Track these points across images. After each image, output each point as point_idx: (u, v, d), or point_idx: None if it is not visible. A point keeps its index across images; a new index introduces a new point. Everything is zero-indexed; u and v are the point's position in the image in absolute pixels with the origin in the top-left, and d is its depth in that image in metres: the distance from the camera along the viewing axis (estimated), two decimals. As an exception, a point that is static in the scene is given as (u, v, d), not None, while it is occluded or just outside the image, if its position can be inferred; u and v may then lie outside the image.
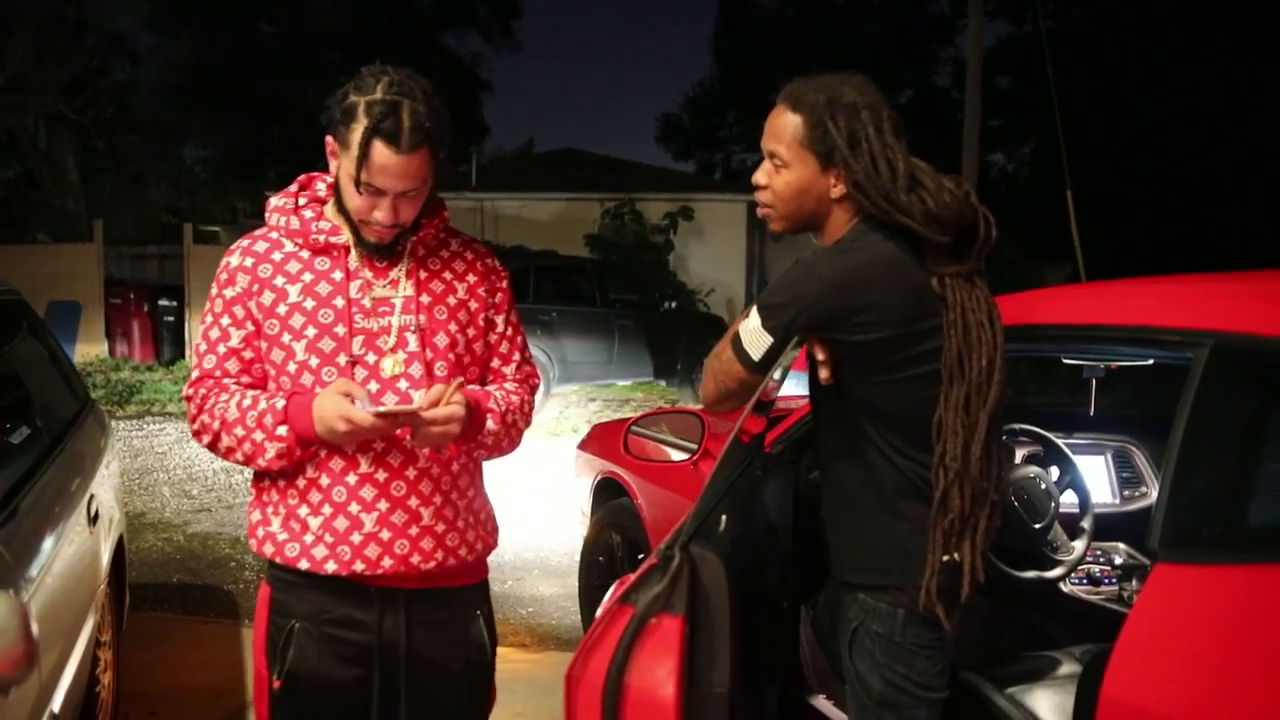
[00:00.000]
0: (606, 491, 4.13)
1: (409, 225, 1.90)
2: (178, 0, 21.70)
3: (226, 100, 22.09)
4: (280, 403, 1.83)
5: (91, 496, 2.94)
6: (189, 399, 1.91)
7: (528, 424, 2.09)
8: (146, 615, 4.52)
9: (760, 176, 1.87)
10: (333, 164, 1.86)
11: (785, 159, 1.82)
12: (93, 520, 2.90)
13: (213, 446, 1.89)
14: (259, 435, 1.82)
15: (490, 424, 1.94)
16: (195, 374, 1.91)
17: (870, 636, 1.83)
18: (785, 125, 1.82)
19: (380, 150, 1.76)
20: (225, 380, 1.89)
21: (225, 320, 1.89)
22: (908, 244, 1.75)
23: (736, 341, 1.84)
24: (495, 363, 2.06)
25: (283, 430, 1.82)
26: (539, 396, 10.89)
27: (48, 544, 2.34)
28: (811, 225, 1.86)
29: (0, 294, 3.16)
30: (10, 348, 3.04)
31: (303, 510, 1.89)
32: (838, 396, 1.84)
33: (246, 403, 1.84)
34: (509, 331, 2.07)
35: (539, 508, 6.95)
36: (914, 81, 27.56)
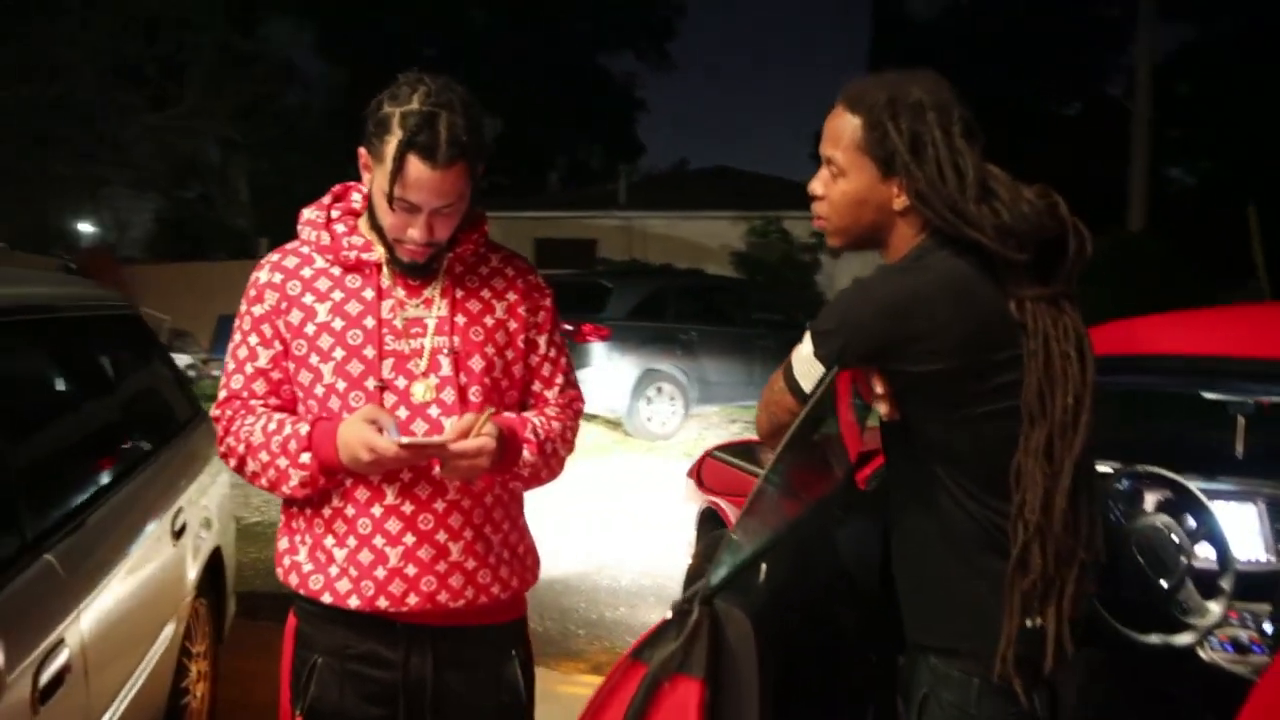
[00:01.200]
0: (710, 522, 3.95)
1: (445, 243, 1.80)
2: (342, 29, 22.70)
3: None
4: (304, 428, 1.75)
5: (180, 510, 2.97)
6: (216, 420, 1.85)
7: (570, 451, 1.95)
8: (261, 625, 4.57)
9: (816, 185, 1.68)
10: (365, 178, 1.77)
11: (842, 165, 1.62)
12: (178, 533, 2.91)
13: (239, 470, 1.83)
14: (283, 461, 1.74)
15: (526, 454, 1.81)
16: (223, 394, 1.84)
17: (941, 705, 1.60)
18: (842, 128, 1.62)
19: (415, 165, 1.66)
20: (252, 402, 1.82)
21: (253, 339, 1.82)
22: (981, 263, 1.53)
23: (789, 370, 1.66)
24: (536, 386, 1.94)
25: (306, 458, 1.73)
26: (675, 416, 10.84)
27: (113, 558, 2.33)
28: (873, 240, 1.66)
29: (113, 308, 3.24)
30: (115, 363, 3.11)
31: (328, 541, 1.80)
32: (905, 435, 1.63)
33: (272, 427, 1.77)
34: (551, 353, 1.94)
35: (662, 533, 6.81)
36: (1084, 91, 26.25)
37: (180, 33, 14.26)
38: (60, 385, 2.62)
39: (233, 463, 1.83)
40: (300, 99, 23.09)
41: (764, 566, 1.66)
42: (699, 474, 4.14)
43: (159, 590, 2.70)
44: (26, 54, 12.48)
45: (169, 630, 2.76)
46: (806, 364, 1.62)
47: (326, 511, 1.80)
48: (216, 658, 3.48)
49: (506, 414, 1.85)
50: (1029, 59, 24.43)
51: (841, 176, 1.63)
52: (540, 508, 7.25)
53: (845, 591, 1.95)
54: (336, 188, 1.92)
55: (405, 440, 1.65)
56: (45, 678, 1.86)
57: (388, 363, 1.78)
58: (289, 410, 1.83)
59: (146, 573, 2.59)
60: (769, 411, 1.73)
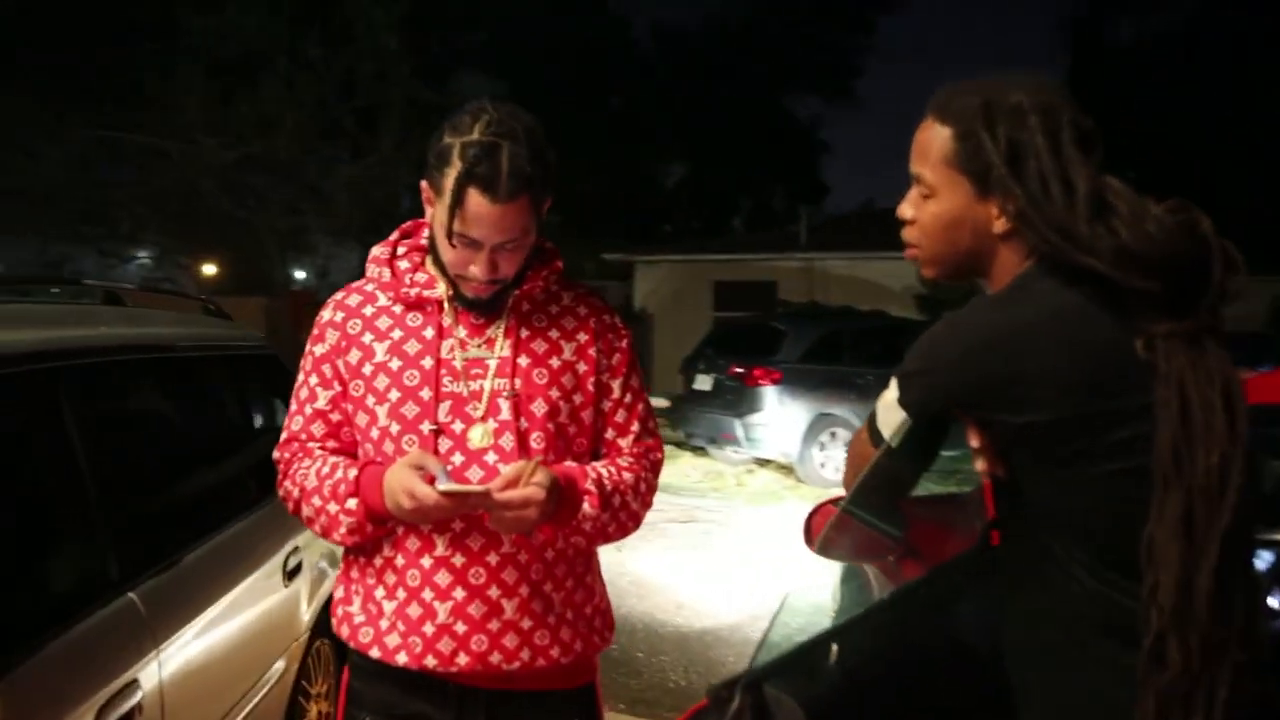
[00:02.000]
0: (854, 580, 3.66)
1: (510, 280, 1.67)
2: (532, 77, 23.51)
3: (572, 167, 23.58)
4: (354, 473, 1.65)
5: (295, 549, 2.96)
6: (276, 462, 1.77)
7: (646, 506, 1.78)
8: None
9: (905, 208, 1.44)
10: (428, 212, 1.67)
11: (932, 184, 1.39)
12: (290, 573, 2.90)
13: (296, 514, 1.75)
14: (333, 507, 1.65)
15: (587, 508, 1.65)
16: (284, 436, 1.77)
17: None
18: (931, 141, 1.39)
19: (475, 198, 1.55)
20: (310, 444, 1.74)
21: (314, 380, 1.75)
22: (1100, 294, 1.26)
23: (873, 419, 1.44)
24: (609, 434, 1.78)
25: (353, 504, 1.63)
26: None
27: (205, 598, 2.31)
28: (973, 269, 1.41)
29: (243, 347, 3.30)
30: (238, 402, 3.15)
31: (379, 592, 1.70)
32: (1012, 496, 1.38)
33: (325, 470, 1.68)
34: (627, 398, 1.78)
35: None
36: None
37: (375, 86, 15.08)
38: (170, 423, 2.64)
39: (290, 506, 1.75)
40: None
41: (834, 646, 1.42)
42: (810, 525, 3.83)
43: (264, 631, 2.67)
44: (243, 113, 13.47)
45: (277, 670, 2.73)
46: (889, 411, 1.39)
47: (378, 561, 1.70)
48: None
49: (568, 463, 1.69)
50: (1242, 77, 22.61)
51: (932, 197, 1.39)
52: (706, 556, 7.11)
53: (956, 678, 1.67)
54: (407, 224, 1.84)
55: (446, 488, 1.52)
56: (113, 718, 1.82)
57: (444, 405, 1.67)
58: (349, 454, 1.74)
59: (248, 614, 2.56)
60: (853, 465, 1.51)
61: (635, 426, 1.80)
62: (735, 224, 27.09)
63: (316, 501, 1.67)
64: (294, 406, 1.76)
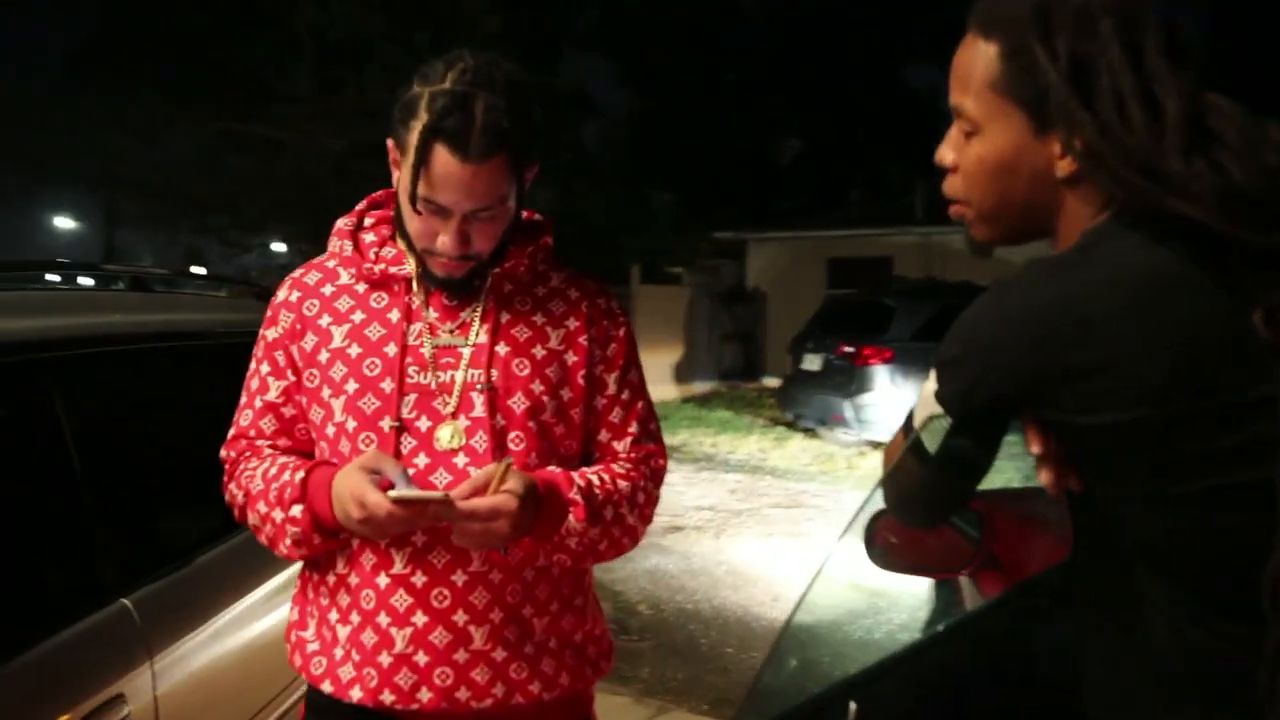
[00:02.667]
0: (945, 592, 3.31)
1: (486, 256, 1.44)
2: (642, 56, 23.26)
3: (690, 148, 23.27)
4: (301, 475, 1.42)
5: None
6: (222, 461, 1.57)
7: (646, 520, 1.53)
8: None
9: (944, 150, 1.14)
10: (394, 175, 1.44)
11: (976, 118, 1.08)
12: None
13: (243, 522, 1.54)
14: (278, 514, 1.43)
15: (572, 521, 1.40)
16: (232, 431, 1.56)
17: None
18: (973, 62, 1.08)
19: (443, 156, 1.32)
20: (259, 442, 1.52)
21: (265, 368, 1.53)
22: (1200, 253, 0.95)
23: (909, 418, 1.15)
24: (603, 435, 1.53)
25: (297, 511, 1.41)
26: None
27: (212, 607, 2.14)
28: (1036, 227, 1.10)
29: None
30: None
31: (333, 615, 1.48)
32: (1089, 516, 1.08)
33: (273, 472, 1.46)
34: (624, 395, 1.53)
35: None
36: None
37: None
38: (184, 418, 2.49)
39: (236, 514, 1.55)
40: (601, 130, 23.96)
41: (852, 706, 1.14)
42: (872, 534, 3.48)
43: (276, 649, 2.51)
44: (351, 102, 13.63)
45: (289, 693, 2.56)
46: (928, 406, 1.10)
47: (331, 578, 1.49)
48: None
49: (552, 468, 1.45)
50: None
51: (977, 134, 1.08)
52: (809, 544, 6.75)
53: (1031, 713, 1.37)
54: (377, 193, 1.61)
55: (400, 494, 1.29)
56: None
57: (409, 399, 1.44)
58: (303, 453, 1.53)
59: (258, 628, 2.40)
60: (890, 475, 1.22)
61: (634, 428, 1.55)
62: (853, 198, 26.37)
63: (261, 508, 1.46)
64: (244, 399, 1.56)
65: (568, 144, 18.45)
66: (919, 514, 1.25)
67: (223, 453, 1.57)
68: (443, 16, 14.15)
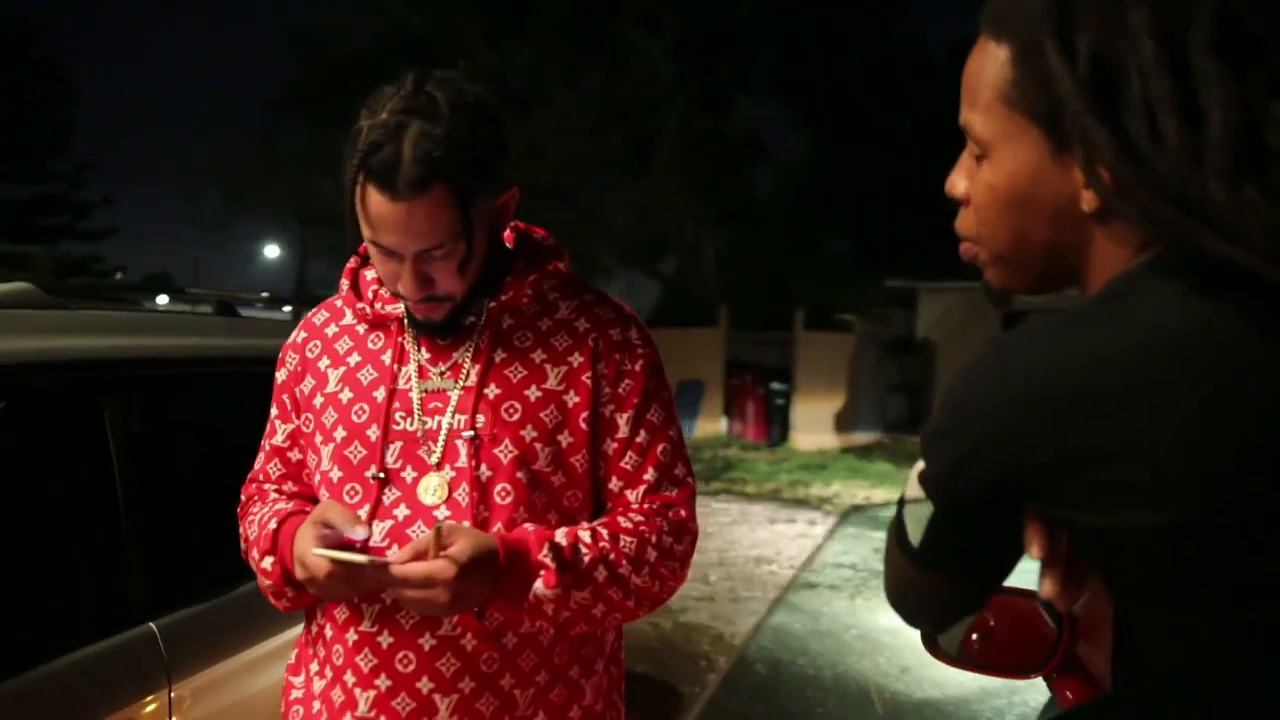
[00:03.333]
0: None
1: (459, 295, 1.34)
2: (820, 101, 23.04)
3: (866, 193, 22.85)
4: (273, 524, 1.37)
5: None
6: (240, 504, 1.54)
7: (663, 580, 1.37)
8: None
9: (954, 179, 0.94)
10: None
11: (984, 138, 0.88)
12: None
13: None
14: (263, 564, 1.39)
15: (539, 588, 1.26)
16: (250, 475, 1.54)
17: None
18: (982, 70, 0.88)
19: (373, 197, 1.24)
20: (267, 486, 1.48)
21: (274, 411, 1.50)
22: (1256, 307, 0.75)
23: (900, 504, 0.97)
24: (614, 484, 1.40)
25: (268, 563, 1.36)
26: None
27: (240, 636, 2.11)
28: (1062, 272, 0.90)
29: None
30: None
31: (314, 666, 1.42)
32: (1124, 644, 0.88)
33: (265, 518, 1.41)
34: (640, 437, 1.39)
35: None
36: None
37: (649, 114, 15.26)
38: (238, 445, 2.50)
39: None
40: (776, 174, 23.84)
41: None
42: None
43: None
44: (521, 147, 14.03)
45: None
46: (914, 490, 0.93)
47: (314, 628, 1.43)
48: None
49: (526, 526, 1.32)
50: None
51: (987, 159, 0.89)
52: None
53: None
54: None
55: (328, 553, 1.21)
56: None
57: (394, 448, 1.35)
58: (310, 497, 1.47)
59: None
60: (888, 568, 1.04)
61: (650, 474, 1.40)
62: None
63: (255, 555, 1.41)
64: (262, 441, 1.53)
65: (739, 189, 18.42)
66: (914, 617, 1.06)
67: (241, 495, 1.55)
68: (615, 64, 14.42)
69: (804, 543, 8.40)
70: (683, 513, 1.42)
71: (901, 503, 0.96)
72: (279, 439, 1.48)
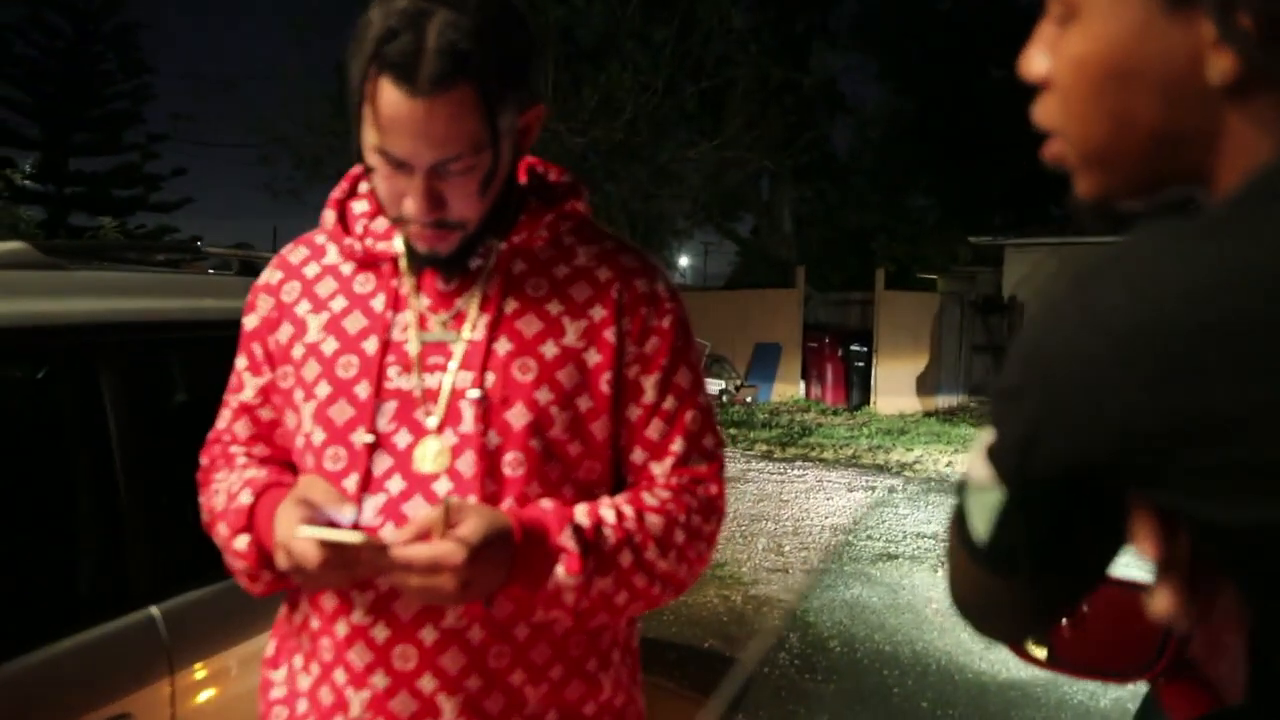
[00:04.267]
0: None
1: (474, 223, 1.14)
2: (903, 51, 22.32)
3: (952, 147, 22.13)
4: (247, 498, 1.18)
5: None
6: (199, 469, 1.35)
7: (690, 563, 1.20)
8: (650, 680, 4.19)
9: (1033, 55, 0.70)
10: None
11: None
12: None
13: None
14: (234, 543, 1.21)
15: (561, 574, 1.10)
16: (210, 434, 1.34)
17: None
18: None
19: (388, 92, 1.05)
20: (233, 449, 1.29)
21: (241, 362, 1.30)
22: None
23: (962, 486, 0.74)
24: (637, 455, 1.21)
25: (242, 543, 1.18)
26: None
27: (248, 629, 1.96)
28: (1180, 172, 0.64)
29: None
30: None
31: (297, 661, 1.25)
32: (1259, 663, 0.64)
33: (237, 488, 1.22)
34: (667, 403, 1.20)
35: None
36: None
37: (722, 66, 14.87)
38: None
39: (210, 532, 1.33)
40: (855, 129, 23.20)
41: None
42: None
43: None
44: (592, 100, 13.80)
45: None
46: (978, 471, 0.69)
47: (298, 616, 1.25)
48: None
49: (544, 504, 1.13)
50: None
51: (1074, 20, 0.65)
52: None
53: None
54: None
55: (312, 532, 1.03)
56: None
57: (388, 407, 1.16)
58: (283, 462, 1.29)
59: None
60: (950, 560, 0.80)
61: (677, 445, 1.21)
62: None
63: (222, 530, 1.23)
64: (226, 395, 1.33)
65: (817, 144, 17.93)
66: (984, 626, 0.83)
67: (201, 459, 1.35)
68: (686, 11, 14.05)
69: (884, 511, 8.11)
70: (713, 489, 1.24)
71: (963, 486, 0.73)
72: (248, 394, 1.29)
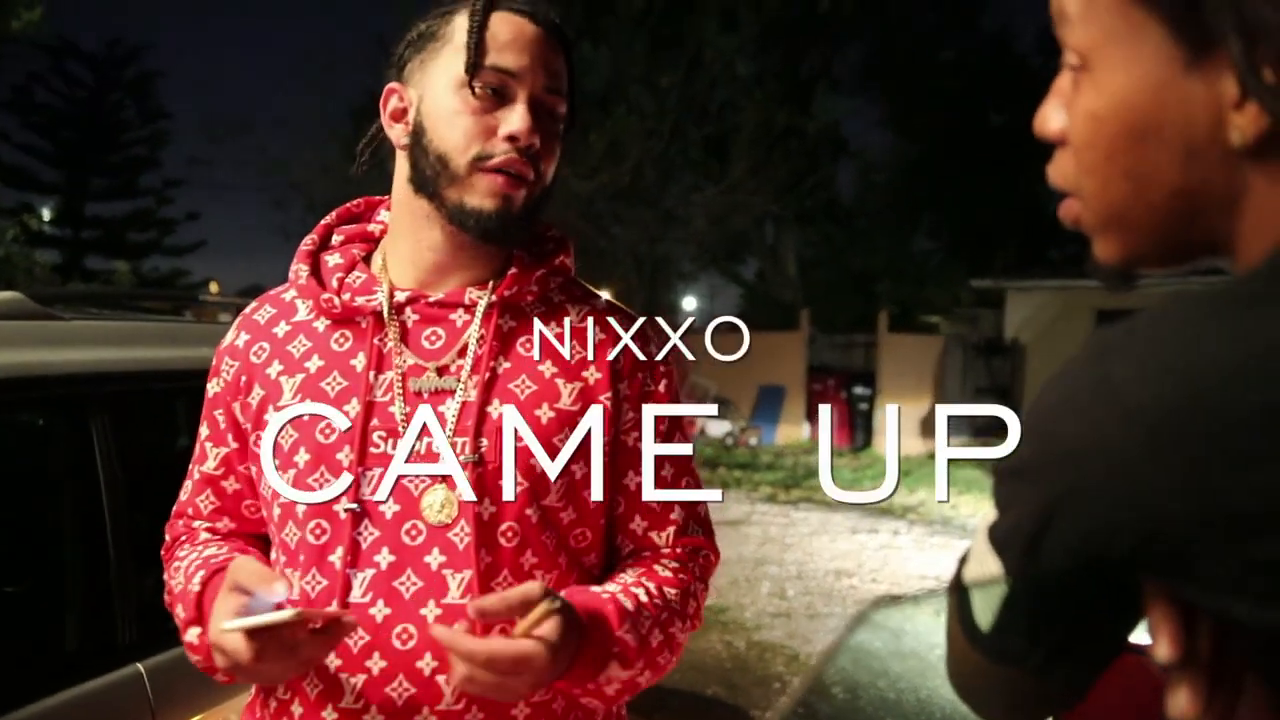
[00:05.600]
0: None
1: (544, 180, 1.17)
2: (906, 98, 22.49)
3: (954, 190, 22.24)
4: (196, 584, 1.14)
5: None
6: (163, 545, 1.29)
7: (694, 628, 1.20)
8: (649, 729, 4.13)
9: (1047, 112, 0.66)
10: (395, 131, 1.18)
11: (1085, 46, 0.62)
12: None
13: None
14: (184, 635, 1.16)
15: (617, 669, 1.09)
16: (175, 508, 1.29)
17: None
18: None
19: (508, 20, 1.14)
20: (196, 524, 1.25)
21: (204, 431, 1.25)
22: None
23: (958, 570, 0.72)
24: (637, 524, 1.19)
25: (192, 635, 1.14)
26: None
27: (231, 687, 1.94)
28: (1201, 237, 0.61)
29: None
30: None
31: None
32: None
33: (192, 568, 1.17)
34: (665, 471, 1.18)
35: None
36: None
37: (726, 112, 15.01)
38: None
39: None
40: (859, 172, 23.32)
41: None
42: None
43: None
44: (593, 143, 13.89)
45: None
46: (981, 556, 0.67)
47: (273, 704, 1.17)
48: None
49: (594, 589, 1.12)
50: None
51: (1088, 74, 0.62)
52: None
53: None
54: (355, 202, 1.31)
55: (235, 624, 0.96)
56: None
57: (372, 475, 1.11)
58: (249, 538, 1.24)
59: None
60: (948, 642, 0.78)
61: (677, 513, 1.19)
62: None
63: (180, 614, 1.17)
64: (190, 466, 1.28)
65: (820, 188, 18.05)
66: (986, 712, 0.81)
67: (167, 533, 1.29)
68: (692, 59, 14.20)
69: (887, 554, 8.04)
70: (712, 558, 1.24)
71: (963, 565, 0.71)
72: (210, 465, 1.23)
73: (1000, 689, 0.73)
